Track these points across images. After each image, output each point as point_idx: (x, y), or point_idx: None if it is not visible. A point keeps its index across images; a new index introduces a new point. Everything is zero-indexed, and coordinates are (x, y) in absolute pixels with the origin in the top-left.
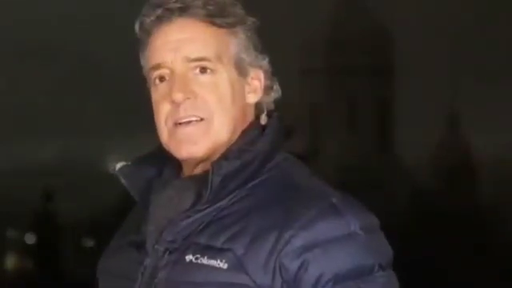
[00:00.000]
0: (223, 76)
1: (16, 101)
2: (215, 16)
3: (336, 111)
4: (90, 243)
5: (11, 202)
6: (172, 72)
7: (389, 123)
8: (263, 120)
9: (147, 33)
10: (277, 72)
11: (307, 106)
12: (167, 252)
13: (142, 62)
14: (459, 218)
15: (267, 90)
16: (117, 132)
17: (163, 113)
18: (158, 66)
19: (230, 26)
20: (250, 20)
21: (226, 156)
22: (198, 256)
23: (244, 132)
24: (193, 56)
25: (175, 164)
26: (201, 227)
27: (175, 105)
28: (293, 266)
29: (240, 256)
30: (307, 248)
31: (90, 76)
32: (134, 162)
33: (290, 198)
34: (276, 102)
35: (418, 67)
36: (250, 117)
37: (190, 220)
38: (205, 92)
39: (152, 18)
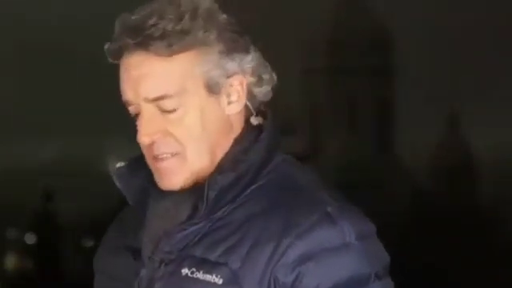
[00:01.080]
0: (189, 106)
1: (16, 101)
2: (175, 44)
3: (336, 111)
4: (89, 243)
5: (11, 202)
6: (139, 109)
7: (389, 123)
8: (254, 120)
9: (114, 59)
10: (277, 72)
11: (307, 106)
12: (163, 263)
13: None
14: (459, 218)
15: (258, 83)
16: (117, 132)
17: (144, 148)
18: (126, 103)
19: (192, 46)
20: (221, 26)
21: (220, 168)
22: (194, 270)
23: (237, 140)
24: (151, 96)
25: None
26: (197, 238)
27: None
28: (288, 279)
29: (236, 270)
30: (302, 260)
31: (90, 76)
32: (129, 163)
33: (285, 206)
34: (276, 93)
35: (418, 67)
36: (239, 123)
37: (186, 232)
38: (172, 128)
39: (115, 47)
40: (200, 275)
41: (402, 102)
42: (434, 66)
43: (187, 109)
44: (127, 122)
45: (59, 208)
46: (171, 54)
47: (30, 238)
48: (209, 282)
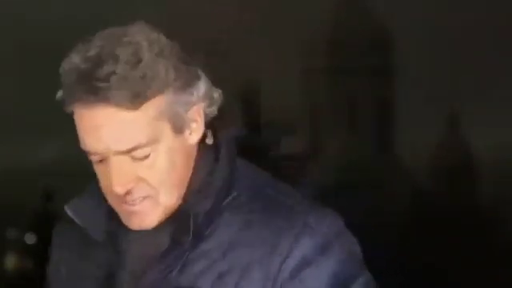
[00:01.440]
0: (160, 150)
1: (16, 101)
2: (140, 94)
3: (336, 111)
4: None
5: (11, 202)
6: (107, 158)
7: (389, 123)
8: (209, 140)
9: (69, 110)
10: (277, 72)
11: (307, 106)
12: None
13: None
14: (459, 218)
15: (210, 104)
16: None
17: (107, 190)
18: (89, 153)
19: (157, 92)
20: (175, 59)
21: (193, 198)
22: None
23: (199, 163)
24: (124, 149)
25: None
26: (179, 266)
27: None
28: None
29: None
30: (293, 276)
31: None
32: (84, 199)
33: (263, 222)
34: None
35: (418, 67)
36: (196, 146)
37: (169, 262)
38: (144, 173)
39: (71, 100)
40: None
41: (402, 102)
42: (434, 66)
43: (158, 152)
44: None
45: (59, 208)
46: (137, 105)
47: (30, 238)
48: None
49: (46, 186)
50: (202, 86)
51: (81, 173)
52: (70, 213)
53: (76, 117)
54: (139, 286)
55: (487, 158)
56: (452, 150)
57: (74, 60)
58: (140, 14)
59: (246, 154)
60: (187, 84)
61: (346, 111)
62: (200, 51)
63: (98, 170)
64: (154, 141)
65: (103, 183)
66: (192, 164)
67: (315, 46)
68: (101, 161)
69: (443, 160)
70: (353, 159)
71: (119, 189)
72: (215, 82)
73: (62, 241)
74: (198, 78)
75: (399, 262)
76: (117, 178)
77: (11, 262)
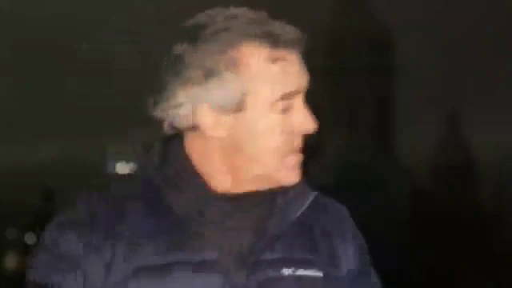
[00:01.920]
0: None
1: (16, 101)
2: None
3: (336, 111)
4: None
5: (11, 202)
6: (294, 102)
7: (389, 123)
8: None
9: (271, 58)
10: None
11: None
12: (249, 272)
13: (249, 86)
14: (459, 218)
15: None
16: (117, 132)
17: (286, 144)
18: (292, 93)
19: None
20: None
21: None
22: (294, 269)
23: None
24: (308, 83)
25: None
26: (273, 240)
27: (301, 137)
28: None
29: (325, 264)
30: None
31: (89, 76)
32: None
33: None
34: None
35: (418, 67)
36: None
37: (262, 237)
38: None
39: (286, 42)
40: (302, 272)
41: (402, 102)
42: (434, 66)
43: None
44: (127, 123)
45: (59, 208)
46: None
47: (30, 238)
48: (314, 277)
49: (46, 186)
50: None
51: (81, 173)
52: (172, 200)
53: (276, 67)
54: (237, 264)
55: (487, 158)
56: (452, 149)
57: (250, 28)
58: (140, 14)
59: None
60: None
61: (346, 111)
62: None
63: (279, 123)
64: None
65: (281, 138)
66: None
67: (315, 46)
68: (284, 111)
69: (443, 160)
70: (353, 159)
71: (314, 126)
72: None
73: (118, 230)
74: None
75: (399, 262)
76: (311, 116)
77: (11, 261)
